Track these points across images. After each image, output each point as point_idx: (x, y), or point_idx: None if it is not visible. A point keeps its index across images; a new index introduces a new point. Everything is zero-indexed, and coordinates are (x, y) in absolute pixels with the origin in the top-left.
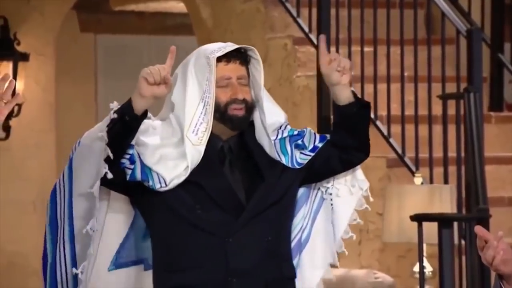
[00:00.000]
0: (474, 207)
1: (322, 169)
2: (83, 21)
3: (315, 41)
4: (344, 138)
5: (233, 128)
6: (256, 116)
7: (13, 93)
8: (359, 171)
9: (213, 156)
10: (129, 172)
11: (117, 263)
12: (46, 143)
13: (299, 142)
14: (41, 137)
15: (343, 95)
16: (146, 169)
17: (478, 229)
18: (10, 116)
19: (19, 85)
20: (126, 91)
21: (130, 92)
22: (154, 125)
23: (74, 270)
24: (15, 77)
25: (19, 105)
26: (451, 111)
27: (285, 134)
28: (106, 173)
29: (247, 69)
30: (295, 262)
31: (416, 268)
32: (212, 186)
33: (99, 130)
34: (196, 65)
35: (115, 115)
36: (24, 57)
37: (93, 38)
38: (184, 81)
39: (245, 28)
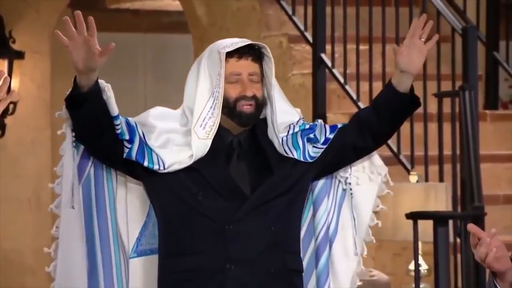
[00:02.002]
0: (469, 205)
1: (336, 158)
2: None
3: (310, 39)
4: (380, 122)
5: (241, 124)
6: (268, 114)
7: (8, 90)
8: (376, 157)
9: (221, 150)
10: (126, 150)
11: (138, 251)
12: (41, 140)
13: (311, 136)
14: (37, 134)
15: (406, 84)
16: (147, 149)
17: (471, 226)
18: (5, 113)
19: (15, 83)
20: (121, 88)
21: (125, 89)
22: (172, 112)
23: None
24: (10, 75)
25: (15, 103)
26: (447, 109)
27: (297, 129)
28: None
29: (261, 66)
30: (324, 256)
31: (412, 266)
32: (211, 175)
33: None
34: (208, 59)
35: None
36: (20, 55)
37: None
38: (197, 74)
39: (241, 26)
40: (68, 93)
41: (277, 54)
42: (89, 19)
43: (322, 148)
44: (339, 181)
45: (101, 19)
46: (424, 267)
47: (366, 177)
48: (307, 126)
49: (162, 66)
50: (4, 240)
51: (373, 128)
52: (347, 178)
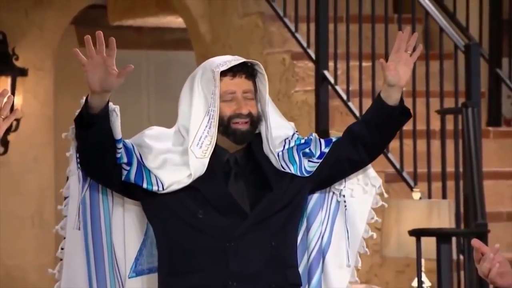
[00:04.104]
0: (472, 222)
1: (332, 172)
2: (81, 36)
3: (313, 56)
4: (372, 135)
5: (236, 142)
6: (263, 129)
7: (12, 108)
8: (370, 169)
9: (218, 169)
10: (124, 173)
11: (137, 270)
12: (44, 157)
13: (307, 150)
14: (40, 151)
15: (395, 96)
16: (145, 171)
17: (475, 241)
18: (8, 130)
19: (18, 100)
20: (124, 105)
21: (128, 106)
22: (167, 132)
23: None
24: (13, 92)
25: (18, 120)
26: (450, 126)
27: (292, 144)
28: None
29: (254, 83)
30: (318, 272)
31: (415, 283)
32: (210, 193)
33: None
34: (202, 78)
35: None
36: (23, 72)
37: None
38: (191, 93)
39: (244, 43)
40: (77, 113)
41: (280, 71)
42: (110, 39)
43: (317, 162)
44: (333, 193)
45: (104, 36)
46: (427, 284)
47: (361, 189)
48: (302, 141)
49: (165, 83)
50: (6, 257)
51: (365, 141)
52: (341, 190)
